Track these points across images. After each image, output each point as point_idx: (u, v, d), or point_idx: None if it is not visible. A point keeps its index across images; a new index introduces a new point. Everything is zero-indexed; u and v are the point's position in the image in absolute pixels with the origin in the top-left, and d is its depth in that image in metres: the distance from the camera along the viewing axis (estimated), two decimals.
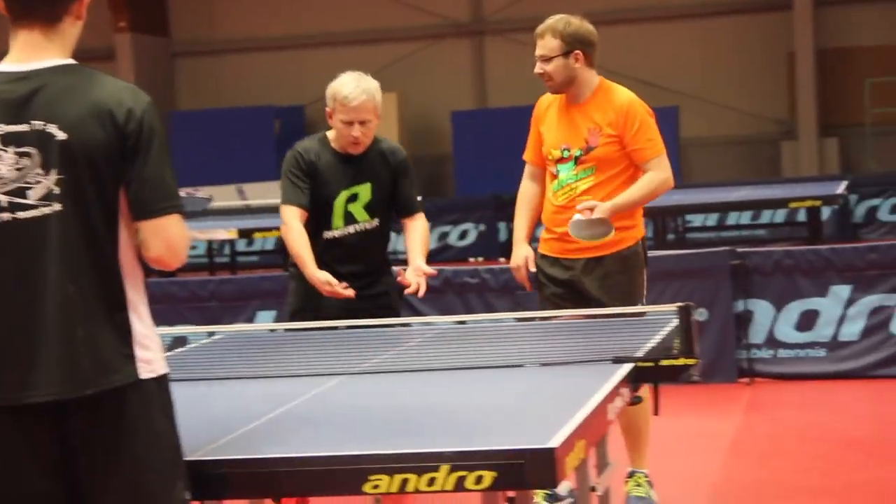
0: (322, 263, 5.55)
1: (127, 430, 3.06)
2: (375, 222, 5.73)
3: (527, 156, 6.07)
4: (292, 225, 5.60)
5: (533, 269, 5.90)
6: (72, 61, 3.15)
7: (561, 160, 5.83)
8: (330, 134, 5.75)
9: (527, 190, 6.04)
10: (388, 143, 5.86)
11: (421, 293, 5.50)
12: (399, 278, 5.65)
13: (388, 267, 5.86)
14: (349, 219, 5.70)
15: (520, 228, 6.01)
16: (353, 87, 5.63)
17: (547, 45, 5.78)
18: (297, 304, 5.74)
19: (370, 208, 5.71)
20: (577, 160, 5.79)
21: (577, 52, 5.76)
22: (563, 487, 5.66)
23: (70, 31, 3.17)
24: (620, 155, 5.77)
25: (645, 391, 5.40)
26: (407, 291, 5.53)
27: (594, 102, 5.81)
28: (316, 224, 5.67)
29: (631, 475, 5.94)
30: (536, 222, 6.04)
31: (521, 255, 5.91)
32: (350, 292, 5.45)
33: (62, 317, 3.03)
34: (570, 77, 5.78)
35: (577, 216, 5.65)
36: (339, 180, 5.68)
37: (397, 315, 5.86)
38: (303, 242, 5.55)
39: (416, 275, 5.51)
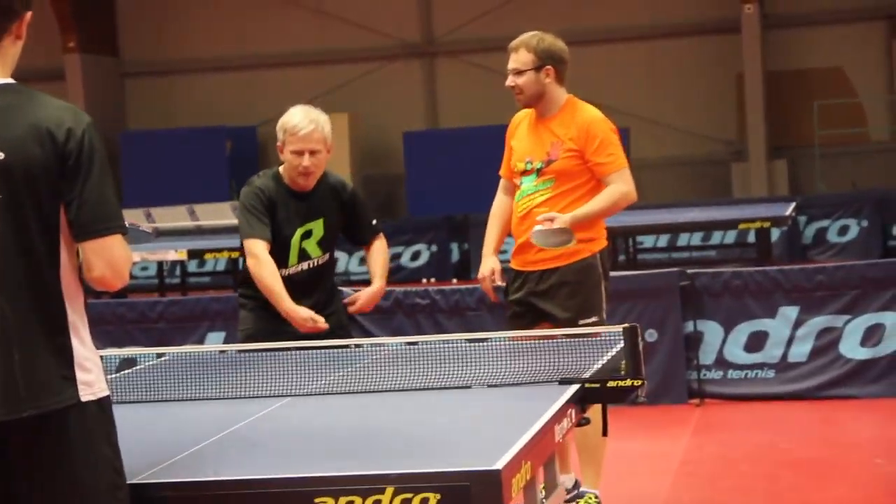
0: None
1: (66, 452, 3.04)
2: (326, 256, 5.86)
3: (501, 170, 6.19)
4: (264, 258, 5.65)
5: (500, 281, 6.01)
6: (12, 81, 3.13)
7: (525, 172, 5.96)
8: (282, 170, 5.82)
9: (499, 203, 6.17)
10: (335, 177, 5.96)
11: (356, 309, 5.81)
12: (347, 299, 5.85)
13: (336, 290, 5.98)
14: (303, 255, 5.80)
15: (489, 240, 6.13)
16: (301, 117, 5.74)
17: (520, 58, 5.93)
18: (251, 329, 5.80)
19: (322, 244, 5.82)
20: (538, 172, 5.93)
21: (549, 67, 5.91)
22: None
23: (10, 50, 3.15)
24: (580, 169, 5.88)
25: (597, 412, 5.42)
26: (350, 309, 5.80)
27: (559, 118, 5.95)
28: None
29: (581, 496, 5.94)
30: (507, 234, 6.15)
31: (488, 267, 6.03)
32: (325, 325, 5.55)
33: None
34: (540, 92, 5.92)
35: (537, 227, 5.75)
36: (293, 219, 5.77)
37: (348, 332, 5.98)
38: (277, 277, 5.63)
39: (367, 297, 5.82)
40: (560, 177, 5.88)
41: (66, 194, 3.05)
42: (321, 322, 5.54)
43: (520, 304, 5.99)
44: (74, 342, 3.08)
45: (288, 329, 5.59)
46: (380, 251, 5.98)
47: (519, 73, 5.93)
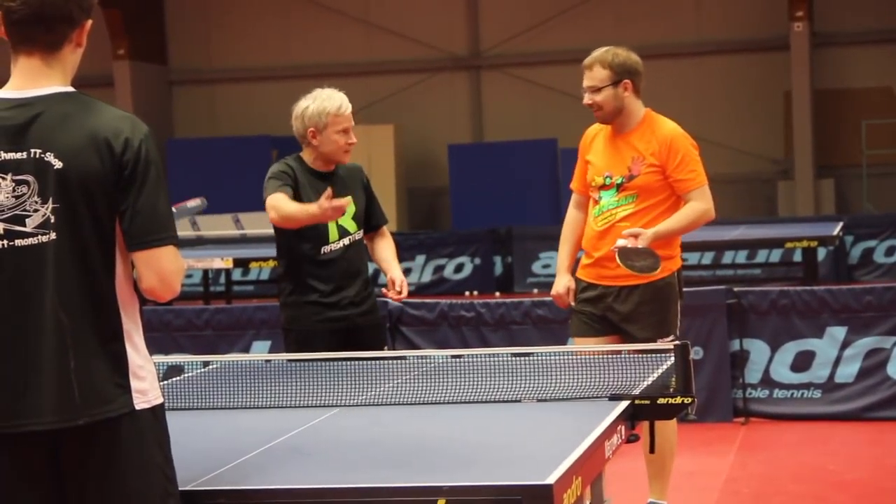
0: (318, 289, 5.82)
1: (119, 460, 3.04)
2: (361, 232, 6.02)
3: (573, 185, 6.19)
4: (280, 198, 5.76)
5: (572, 301, 6.01)
6: (71, 89, 3.14)
7: (604, 187, 5.93)
8: (304, 155, 6.01)
9: (571, 218, 6.16)
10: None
11: (402, 297, 5.91)
12: (385, 295, 5.98)
13: (371, 285, 6.11)
14: (343, 232, 5.93)
15: (562, 257, 6.14)
16: (339, 98, 5.99)
17: (596, 75, 5.91)
18: (299, 333, 5.93)
19: (356, 219, 5.97)
20: (619, 187, 5.90)
21: (626, 81, 5.91)
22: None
23: (70, 58, 3.16)
24: (662, 185, 5.86)
25: (666, 426, 5.49)
26: (384, 292, 5.93)
27: (639, 132, 5.93)
28: (310, 245, 5.86)
29: None
30: (579, 250, 6.15)
31: (563, 284, 6.03)
32: (346, 201, 5.69)
33: (55, 346, 3.01)
34: (619, 107, 5.91)
35: (621, 241, 5.70)
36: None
37: (384, 331, 6.24)
38: (292, 202, 5.74)
39: (404, 284, 5.90)
40: (642, 192, 5.86)
41: (121, 204, 3.06)
42: (339, 202, 5.60)
43: (593, 316, 5.95)
44: (129, 350, 3.09)
45: (332, 321, 5.81)
46: (390, 243, 6.12)
47: (596, 90, 5.90)
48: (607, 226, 5.89)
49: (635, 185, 5.86)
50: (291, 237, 5.87)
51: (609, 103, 5.89)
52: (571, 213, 6.16)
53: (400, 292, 5.89)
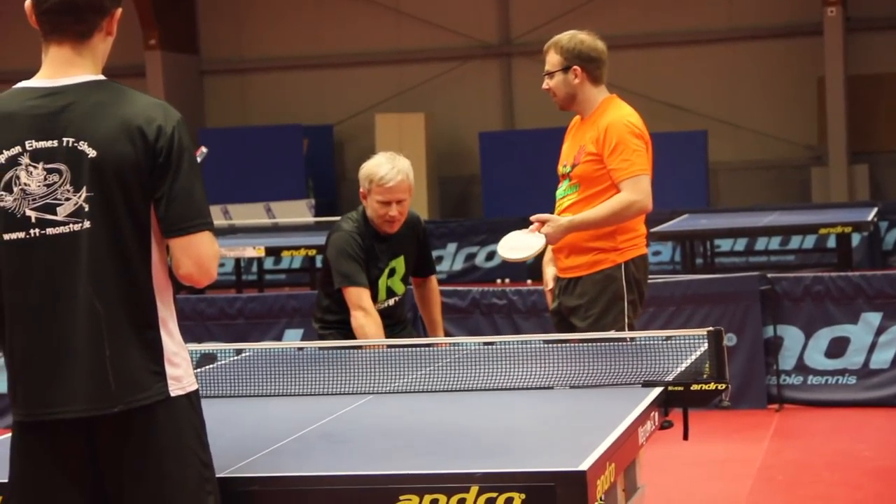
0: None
1: (155, 446, 3.05)
2: (405, 290, 6.07)
3: None
4: (373, 313, 5.78)
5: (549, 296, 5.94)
6: (102, 77, 3.14)
7: (563, 176, 5.84)
8: (368, 213, 5.93)
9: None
10: (411, 212, 6.05)
11: None
12: None
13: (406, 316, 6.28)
14: (389, 293, 5.99)
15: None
16: (388, 168, 5.82)
17: (550, 59, 5.80)
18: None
19: (404, 279, 6.02)
20: (569, 176, 5.78)
21: (576, 67, 5.72)
22: None
23: (100, 46, 3.16)
24: (601, 174, 5.67)
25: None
26: None
27: (591, 120, 5.77)
28: None
29: None
30: None
31: (548, 277, 5.91)
32: None
33: (90, 334, 3.02)
34: (570, 93, 5.75)
35: (520, 231, 5.61)
36: (381, 258, 5.92)
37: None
38: (381, 332, 5.74)
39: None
40: (582, 182, 5.69)
41: (156, 191, 3.06)
42: None
43: (556, 312, 5.88)
44: (164, 337, 3.10)
45: None
46: (437, 299, 6.17)
47: (549, 74, 5.78)
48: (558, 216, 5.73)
49: (576, 174, 5.71)
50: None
51: (560, 89, 5.75)
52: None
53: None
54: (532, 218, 5.63)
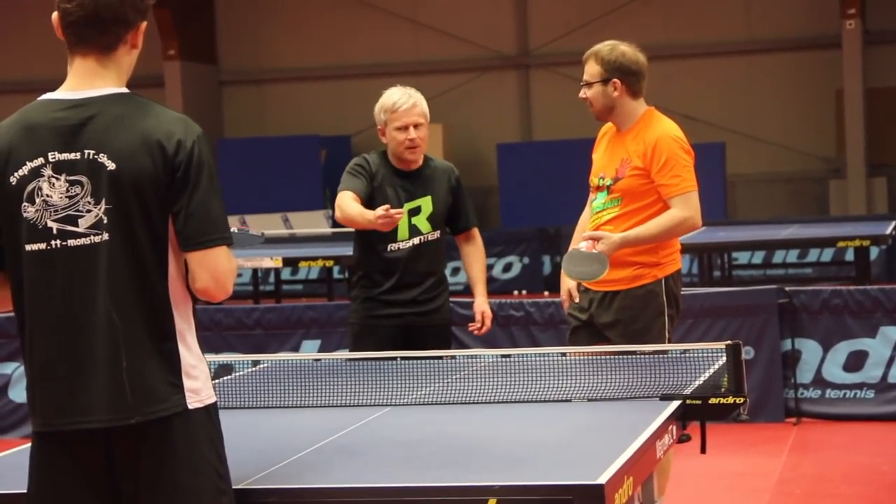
0: (381, 285, 5.86)
1: (172, 458, 3.05)
2: (437, 234, 6.00)
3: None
4: (345, 199, 5.77)
5: (577, 300, 5.82)
6: (126, 90, 3.15)
7: (598, 188, 5.77)
8: (388, 151, 5.99)
9: (582, 217, 5.98)
10: (440, 161, 6.17)
11: (484, 331, 6.06)
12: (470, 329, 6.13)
13: (446, 283, 6.11)
14: (414, 231, 5.94)
15: None
16: (399, 94, 6.00)
17: (589, 70, 5.72)
18: (357, 325, 5.97)
19: (432, 220, 5.97)
20: (608, 189, 5.71)
21: (615, 80, 5.66)
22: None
23: (125, 59, 3.17)
24: (647, 189, 5.61)
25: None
26: (470, 327, 6.07)
27: (633, 132, 5.70)
28: (380, 241, 5.87)
29: None
30: None
31: (565, 288, 5.85)
32: (400, 214, 5.65)
33: (108, 345, 3.03)
34: (609, 105, 5.69)
35: (583, 244, 5.53)
36: (400, 193, 5.92)
37: (451, 332, 6.16)
38: (355, 204, 5.74)
39: (488, 318, 6.09)
40: (626, 196, 5.63)
41: (174, 205, 3.07)
42: (390, 216, 5.58)
43: (580, 322, 5.79)
44: (182, 350, 3.10)
45: (387, 318, 5.86)
46: (479, 255, 6.16)
47: (588, 85, 5.71)
48: (595, 229, 5.65)
49: (620, 188, 5.63)
50: (365, 230, 5.87)
51: (598, 100, 5.68)
52: (584, 213, 5.97)
53: (481, 327, 6.04)
54: (584, 235, 5.59)
